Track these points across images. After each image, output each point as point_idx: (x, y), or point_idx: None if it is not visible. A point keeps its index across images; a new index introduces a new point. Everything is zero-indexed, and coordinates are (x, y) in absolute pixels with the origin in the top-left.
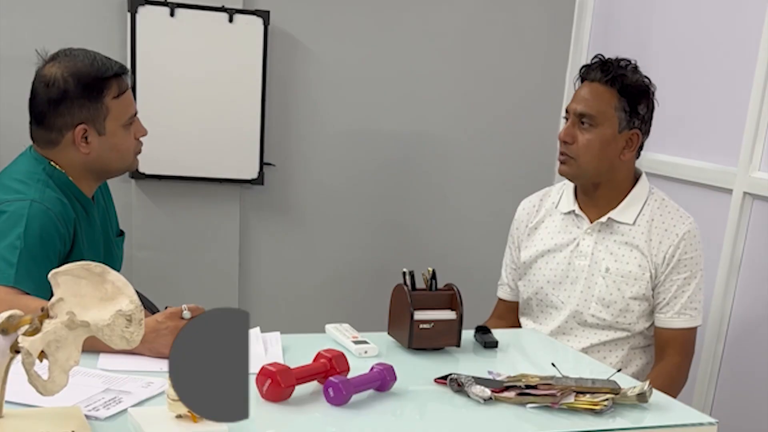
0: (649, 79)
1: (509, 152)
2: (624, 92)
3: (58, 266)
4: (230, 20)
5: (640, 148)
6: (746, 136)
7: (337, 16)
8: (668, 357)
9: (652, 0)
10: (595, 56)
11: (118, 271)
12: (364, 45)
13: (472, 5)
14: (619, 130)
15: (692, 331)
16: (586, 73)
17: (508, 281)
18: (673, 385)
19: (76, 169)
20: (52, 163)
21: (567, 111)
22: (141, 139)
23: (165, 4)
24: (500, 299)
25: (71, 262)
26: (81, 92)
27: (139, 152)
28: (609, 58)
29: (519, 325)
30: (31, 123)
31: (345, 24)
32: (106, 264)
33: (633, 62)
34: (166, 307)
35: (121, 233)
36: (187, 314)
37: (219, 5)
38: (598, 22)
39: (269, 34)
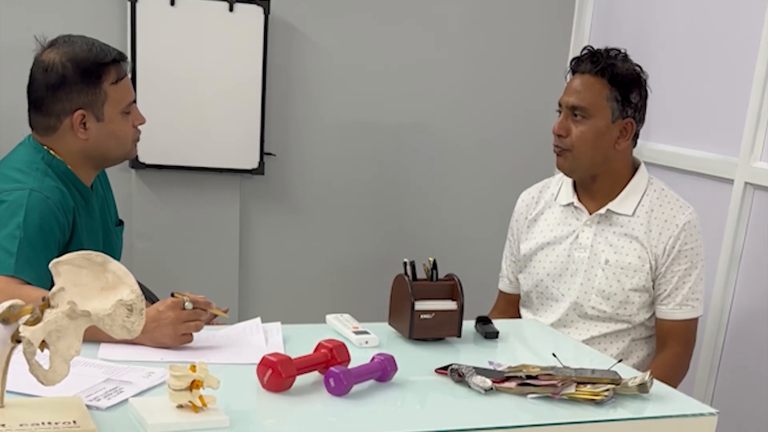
0: (640, 66)
1: (510, 144)
2: (615, 82)
3: (57, 255)
4: (230, 9)
5: (636, 136)
6: (747, 126)
7: (337, 6)
8: (669, 347)
9: None
10: (585, 48)
11: (118, 260)
12: (364, 35)
13: None
14: (613, 120)
15: (694, 321)
16: (576, 65)
17: (508, 273)
18: (674, 376)
19: (75, 157)
20: (51, 151)
21: (559, 104)
22: (140, 127)
23: None
24: (501, 291)
25: (71, 251)
26: (79, 77)
27: (137, 140)
28: (598, 49)
29: (520, 318)
30: (29, 110)
31: (346, 14)
32: (106, 253)
33: (623, 51)
34: (172, 294)
35: (120, 223)
36: (189, 305)
37: None
38: (599, 13)
39: (270, 23)
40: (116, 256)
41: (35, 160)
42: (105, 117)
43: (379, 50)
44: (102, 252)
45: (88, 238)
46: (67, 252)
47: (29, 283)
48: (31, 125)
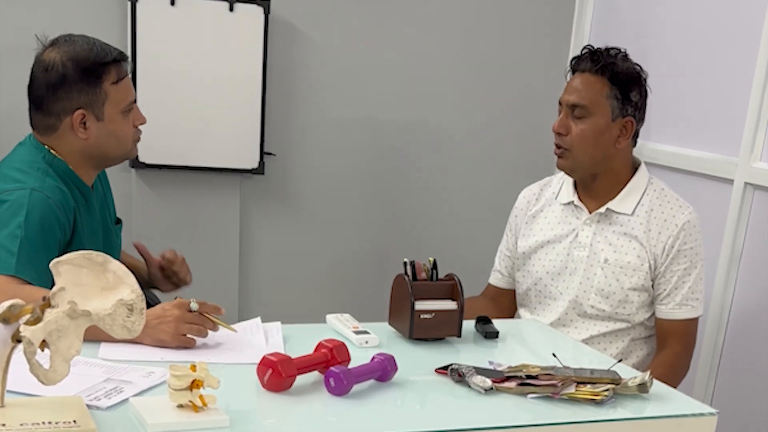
0: (640, 66)
1: (510, 143)
2: (615, 80)
3: (58, 255)
4: (231, 9)
5: (636, 135)
6: (747, 126)
7: (337, 5)
8: (670, 347)
9: None
10: (585, 47)
11: (117, 259)
12: (364, 34)
13: None
14: (613, 119)
15: (694, 321)
16: (576, 64)
17: (501, 268)
18: (674, 375)
19: (76, 156)
20: (51, 151)
21: (560, 103)
22: (140, 127)
23: None
24: (490, 284)
25: (71, 250)
26: (79, 77)
27: (138, 140)
28: (598, 48)
29: (514, 314)
30: (30, 109)
31: (346, 13)
32: (105, 253)
33: (623, 50)
34: (175, 298)
35: (119, 221)
36: (194, 306)
37: None
38: (599, 12)
39: (270, 23)
40: (115, 255)
41: (36, 160)
42: (105, 117)
43: (379, 49)
44: (102, 251)
45: (88, 238)
46: (68, 252)
47: (30, 283)
48: (32, 124)
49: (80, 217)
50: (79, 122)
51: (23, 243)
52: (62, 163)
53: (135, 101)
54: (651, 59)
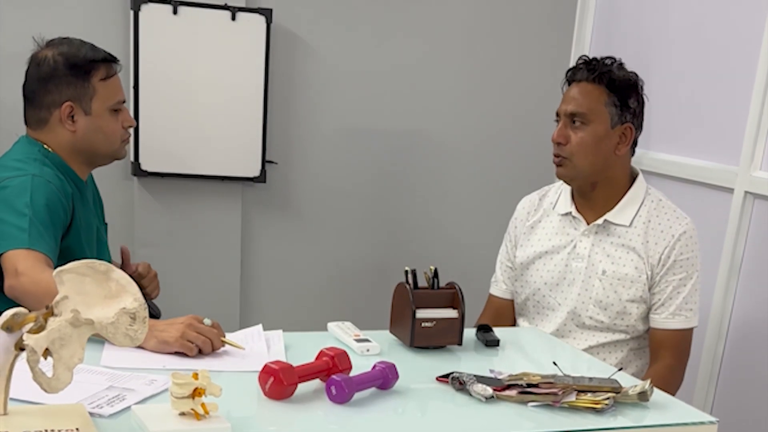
0: (636, 74)
1: (510, 151)
2: (612, 87)
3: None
4: (233, 18)
5: (635, 144)
6: (747, 135)
7: (339, 14)
8: (662, 359)
9: (653, 0)
10: (580, 57)
11: (109, 258)
12: (366, 43)
13: (475, 3)
14: (612, 126)
15: (687, 332)
16: (572, 75)
17: (504, 278)
18: (666, 389)
19: (66, 151)
20: (45, 146)
21: (557, 114)
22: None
23: (168, 2)
24: (492, 296)
25: (71, 236)
26: (69, 70)
27: (127, 141)
28: (594, 57)
29: (515, 325)
30: (24, 105)
31: (347, 22)
32: (99, 249)
33: (618, 59)
34: None
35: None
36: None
37: (222, 3)
38: (599, 21)
39: (272, 32)
40: (107, 253)
41: (32, 152)
42: (93, 111)
43: (380, 58)
44: (96, 246)
45: (84, 229)
46: (67, 237)
47: (46, 255)
48: (25, 120)
49: (77, 206)
50: (67, 115)
51: (33, 221)
52: (57, 156)
53: (124, 102)
54: (651, 68)
